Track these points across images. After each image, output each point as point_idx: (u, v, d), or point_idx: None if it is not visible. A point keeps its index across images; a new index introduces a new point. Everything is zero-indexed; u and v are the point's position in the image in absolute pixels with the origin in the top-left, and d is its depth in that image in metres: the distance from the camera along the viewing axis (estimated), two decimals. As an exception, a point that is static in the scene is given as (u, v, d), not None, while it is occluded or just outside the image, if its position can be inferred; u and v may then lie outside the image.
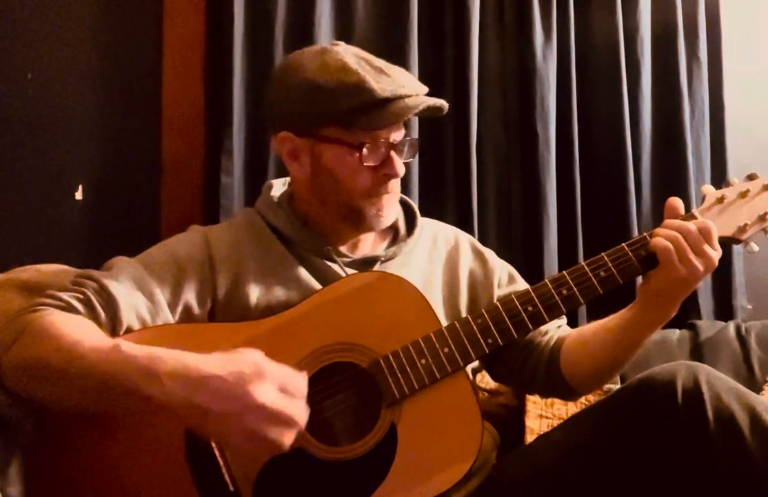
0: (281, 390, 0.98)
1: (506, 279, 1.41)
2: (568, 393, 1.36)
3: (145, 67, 1.90)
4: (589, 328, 1.33)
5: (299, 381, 1.01)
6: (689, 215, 1.22)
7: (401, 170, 1.26)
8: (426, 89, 1.28)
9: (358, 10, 1.97)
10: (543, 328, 1.34)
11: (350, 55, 1.25)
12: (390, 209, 1.30)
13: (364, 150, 1.23)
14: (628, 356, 1.27)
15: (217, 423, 0.97)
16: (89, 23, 1.90)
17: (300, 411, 0.99)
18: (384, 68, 1.24)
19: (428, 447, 1.15)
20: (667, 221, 1.20)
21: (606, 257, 1.22)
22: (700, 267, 1.16)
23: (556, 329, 1.37)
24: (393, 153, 1.25)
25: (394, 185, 1.29)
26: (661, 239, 1.17)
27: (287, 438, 0.98)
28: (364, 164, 1.24)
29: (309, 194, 1.31)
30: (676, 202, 1.22)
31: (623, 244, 1.22)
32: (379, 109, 1.21)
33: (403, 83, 1.23)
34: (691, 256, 1.15)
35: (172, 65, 1.89)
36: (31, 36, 1.87)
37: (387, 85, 1.22)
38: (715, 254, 1.17)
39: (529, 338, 1.34)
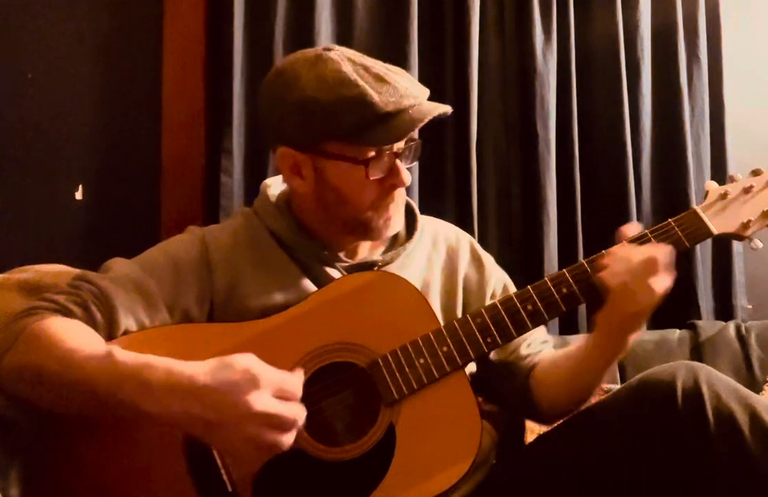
0: (276, 393, 0.99)
1: (500, 291, 1.39)
2: (538, 416, 1.35)
3: (145, 67, 1.91)
4: (559, 353, 1.33)
5: (293, 382, 1.01)
6: (642, 236, 1.21)
7: (408, 179, 1.24)
8: (428, 92, 1.25)
9: (358, 11, 1.97)
10: (524, 352, 1.33)
11: (346, 62, 1.20)
12: (397, 217, 1.28)
13: (370, 164, 1.20)
14: (591, 383, 1.26)
15: (218, 432, 0.98)
16: (89, 23, 1.90)
17: (297, 412, 1.00)
18: (383, 75, 1.19)
19: (427, 447, 1.15)
20: (614, 254, 1.18)
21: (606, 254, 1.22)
22: (646, 301, 1.14)
23: (536, 353, 1.35)
24: (398, 162, 1.22)
25: (401, 192, 1.27)
26: (606, 276, 1.15)
27: (287, 440, 0.99)
28: (370, 178, 1.20)
29: (313, 208, 1.28)
30: (625, 234, 1.22)
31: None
32: (383, 124, 1.17)
33: (404, 92, 1.19)
34: (637, 291, 1.13)
35: (172, 65, 1.89)
36: (31, 36, 1.87)
37: (389, 96, 1.17)
38: (662, 284, 1.14)
39: (511, 359, 1.33)
